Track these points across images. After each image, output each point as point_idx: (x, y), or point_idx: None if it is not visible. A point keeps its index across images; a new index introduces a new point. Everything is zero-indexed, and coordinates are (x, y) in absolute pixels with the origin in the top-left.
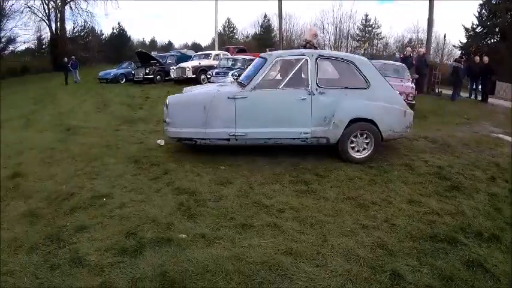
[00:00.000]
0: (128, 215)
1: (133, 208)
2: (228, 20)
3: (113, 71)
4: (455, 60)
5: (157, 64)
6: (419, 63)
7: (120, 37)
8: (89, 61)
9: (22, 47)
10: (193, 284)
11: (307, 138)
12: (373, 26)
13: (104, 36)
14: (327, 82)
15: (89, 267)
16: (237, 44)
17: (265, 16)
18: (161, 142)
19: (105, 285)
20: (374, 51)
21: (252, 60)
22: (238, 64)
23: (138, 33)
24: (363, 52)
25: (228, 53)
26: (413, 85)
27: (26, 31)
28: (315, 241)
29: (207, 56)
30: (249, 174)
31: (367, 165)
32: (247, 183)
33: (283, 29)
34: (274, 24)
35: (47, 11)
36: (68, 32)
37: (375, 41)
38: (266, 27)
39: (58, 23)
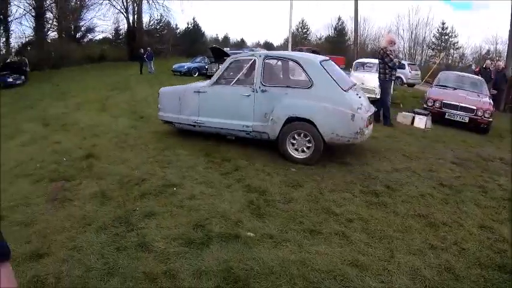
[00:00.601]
0: (197, 207)
1: (202, 201)
2: (302, 20)
3: (187, 65)
4: None
5: None
6: (498, 77)
7: (194, 32)
8: (164, 53)
9: (100, 36)
10: (256, 284)
11: (250, 132)
12: (450, 34)
13: (178, 31)
14: (271, 80)
15: (154, 253)
16: (309, 45)
17: (339, 18)
18: (232, 137)
19: (169, 273)
20: (450, 61)
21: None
22: None
23: (211, 29)
24: (438, 62)
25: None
26: (491, 101)
27: (105, 22)
28: (381, 256)
29: None
30: (320, 179)
31: (439, 182)
32: (317, 189)
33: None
34: (348, 27)
35: (125, 4)
36: (144, 25)
37: (451, 50)
38: (340, 30)
39: (135, 16)
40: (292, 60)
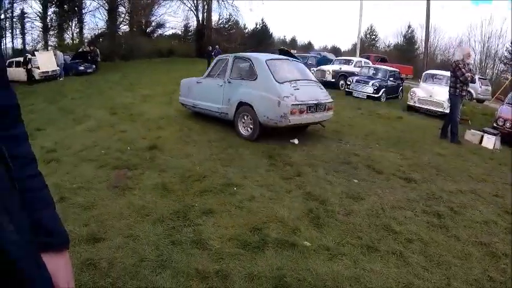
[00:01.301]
0: (256, 210)
1: (262, 204)
2: (371, 26)
3: None
4: None
5: None
6: None
7: (262, 32)
8: (231, 52)
9: (169, 32)
10: None
11: (220, 113)
12: None
13: (247, 30)
14: (235, 74)
15: (209, 251)
16: (377, 52)
17: (409, 26)
18: (295, 141)
19: (221, 273)
20: None
21: (394, 71)
22: (380, 75)
23: (279, 31)
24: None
25: (369, 61)
26: None
27: (175, 18)
28: (437, 282)
29: (348, 62)
30: (382, 193)
31: (505, 210)
32: (379, 203)
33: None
34: (418, 35)
35: (195, 2)
36: (213, 23)
37: None
38: (409, 38)
39: (205, 14)
40: (249, 59)
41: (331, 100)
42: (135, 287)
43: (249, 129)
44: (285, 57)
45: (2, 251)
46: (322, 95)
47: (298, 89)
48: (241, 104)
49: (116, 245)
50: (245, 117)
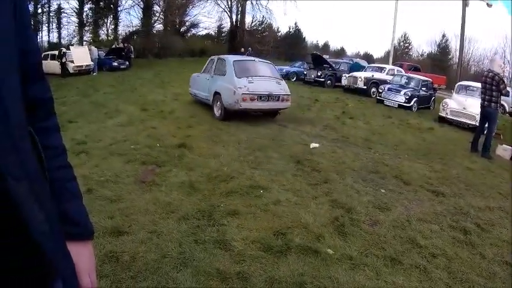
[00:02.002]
0: (281, 214)
1: (287, 208)
2: (405, 34)
3: (286, 68)
4: None
5: (330, 69)
6: None
7: (295, 36)
8: (263, 54)
9: (203, 32)
10: None
11: (206, 99)
12: None
13: (279, 34)
14: (217, 71)
15: (231, 252)
16: (410, 60)
17: (443, 35)
18: (315, 145)
19: (242, 275)
20: None
21: (427, 81)
22: (412, 84)
23: (312, 35)
24: None
25: (402, 70)
26: None
27: (209, 19)
28: None
29: (380, 69)
30: (409, 205)
31: None
32: (405, 215)
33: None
34: (452, 45)
35: (229, 4)
36: (246, 25)
37: None
38: (443, 48)
39: (238, 16)
40: (224, 60)
41: (286, 93)
42: (156, 283)
43: (220, 112)
44: (253, 58)
45: (33, 243)
46: (277, 88)
47: (252, 82)
48: (216, 93)
49: (139, 239)
50: (218, 103)
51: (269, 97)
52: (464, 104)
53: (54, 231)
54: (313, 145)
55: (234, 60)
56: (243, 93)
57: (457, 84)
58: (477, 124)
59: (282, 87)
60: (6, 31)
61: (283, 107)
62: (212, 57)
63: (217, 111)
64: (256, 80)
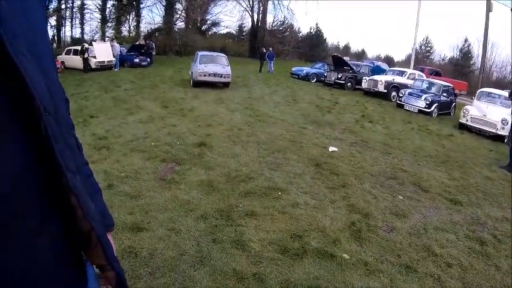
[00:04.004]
0: (299, 217)
1: (305, 211)
2: (426, 38)
3: (306, 69)
4: None
5: (350, 71)
6: None
7: (316, 37)
8: (283, 54)
9: (224, 31)
10: None
11: (190, 76)
12: None
13: (300, 34)
14: (195, 60)
15: (248, 253)
16: (431, 64)
17: (466, 40)
18: (334, 149)
19: (258, 276)
20: None
21: (448, 86)
22: (433, 89)
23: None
24: None
25: (423, 74)
26: None
27: (230, 18)
28: None
29: (401, 73)
30: (426, 213)
31: None
32: (422, 223)
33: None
34: (474, 51)
35: (251, 3)
36: (267, 25)
37: None
38: (465, 53)
39: (260, 15)
40: (197, 53)
41: (227, 73)
42: (173, 280)
43: (191, 82)
44: (214, 53)
45: (90, 226)
46: (221, 70)
47: (206, 66)
48: (191, 72)
49: (158, 236)
50: (191, 77)
51: (215, 75)
52: (485, 111)
53: (101, 219)
54: (332, 149)
55: (201, 54)
56: (199, 72)
57: (478, 91)
58: (498, 132)
59: (225, 70)
60: (51, 54)
61: (224, 81)
62: (196, 52)
63: (191, 82)
64: (209, 65)
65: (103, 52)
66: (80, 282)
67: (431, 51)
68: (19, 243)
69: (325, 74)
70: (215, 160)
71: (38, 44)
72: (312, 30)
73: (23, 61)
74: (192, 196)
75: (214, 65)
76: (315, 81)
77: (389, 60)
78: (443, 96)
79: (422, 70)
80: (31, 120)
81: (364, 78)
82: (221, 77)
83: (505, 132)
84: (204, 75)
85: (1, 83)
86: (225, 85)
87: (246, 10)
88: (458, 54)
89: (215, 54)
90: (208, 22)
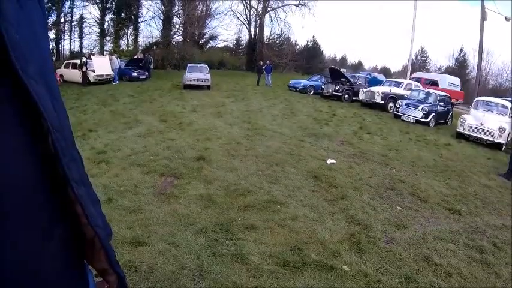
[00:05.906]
0: (298, 229)
1: (304, 224)
2: (422, 48)
3: (303, 82)
4: None
5: (347, 83)
6: None
7: (313, 50)
8: (280, 67)
9: (221, 44)
10: None
11: (183, 82)
12: None
13: (297, 47)
14: (185, 70)
15: (248, 266)
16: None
17: (461, 49)
18: (332, 161)
19: None
20: None
21: (445, 96)
22: (430, 99)
23: (330, 49)
24: None
25: (420, 84)
26: None
27: (227, 31)
28: None
29: (398, 84)
30: (425, 223)
31: None
32: (421, 233)
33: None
34: (470, 60)
35: (248, 17)
36: (265, 38)
37: None
38: (461, 62)
39: (257, 29)
40: (187, 64)
41: (207, 79)
42: None
43: (182, 85)
44: (199, 64)
45: (94, 233)
46: (203, 76)
47: (192, 74)
48: (183, 79)
49: (158, 250)
50: (183, 82)
51: (198, 80)
52: (482, 120)
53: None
54: (330, 161)
55: (189, 66)
56: (187, 78)
57: (474, 100)
58: (495, 140)
59: (206, 76)
60: (53, 70)
61: (205, 84)
62: (186, 63)
63: (182, 86)
64: (193, 73)
65: (102, 66)
66: (82, 286)
67: (427, 61)
68: (30, 244)
69: (323, 87)
70: (214, 174)
71: (45, 65)
72: (308, 43)
73: (33, 85)
74: (192, 210)
75: (197, 73)
76: (312, 94)
77: (385, 71)
78: (440, 105)
79: (417, 81)
80: (40, 135)
81: (361, 89)
82: (203, 81)
83: (502, 140)
84: (190, 81)
85: (14, 105)
86: (207, 87)
87: (243, 24)
88: (454, 63)
89: (199, 65)
90: (206, 36)
